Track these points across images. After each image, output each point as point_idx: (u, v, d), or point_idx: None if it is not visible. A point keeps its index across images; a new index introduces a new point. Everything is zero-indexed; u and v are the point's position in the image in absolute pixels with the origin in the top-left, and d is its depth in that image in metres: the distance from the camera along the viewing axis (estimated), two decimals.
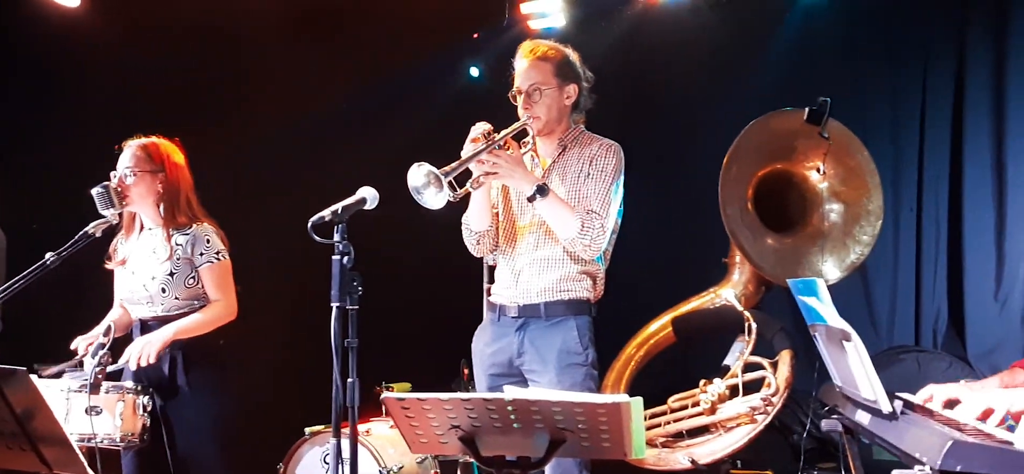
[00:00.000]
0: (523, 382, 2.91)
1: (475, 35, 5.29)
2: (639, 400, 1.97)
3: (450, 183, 2.65)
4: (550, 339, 2.84)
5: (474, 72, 5.49)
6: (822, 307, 2.45)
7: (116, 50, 4.43)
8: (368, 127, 4.88)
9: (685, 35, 4.80)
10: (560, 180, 2.92)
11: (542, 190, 2.76)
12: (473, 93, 5.43)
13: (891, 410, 2.24)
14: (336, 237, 2.19)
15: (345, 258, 2.16)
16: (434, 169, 2.57)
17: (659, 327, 3.72)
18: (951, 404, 2.43)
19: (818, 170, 3.38)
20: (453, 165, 2.64)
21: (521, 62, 2.95)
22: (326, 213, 2.20)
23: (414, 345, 5.02)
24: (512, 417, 2.05)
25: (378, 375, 4.31)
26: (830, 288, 4.31)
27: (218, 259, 3.11)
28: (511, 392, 2.05)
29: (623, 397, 1.97)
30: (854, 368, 2.37)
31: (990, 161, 5.01)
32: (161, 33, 4.41)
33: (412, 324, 5.25)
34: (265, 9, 4.49)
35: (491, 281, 3.20)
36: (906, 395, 2.52)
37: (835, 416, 2.80)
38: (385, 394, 2.05)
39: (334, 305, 2.15)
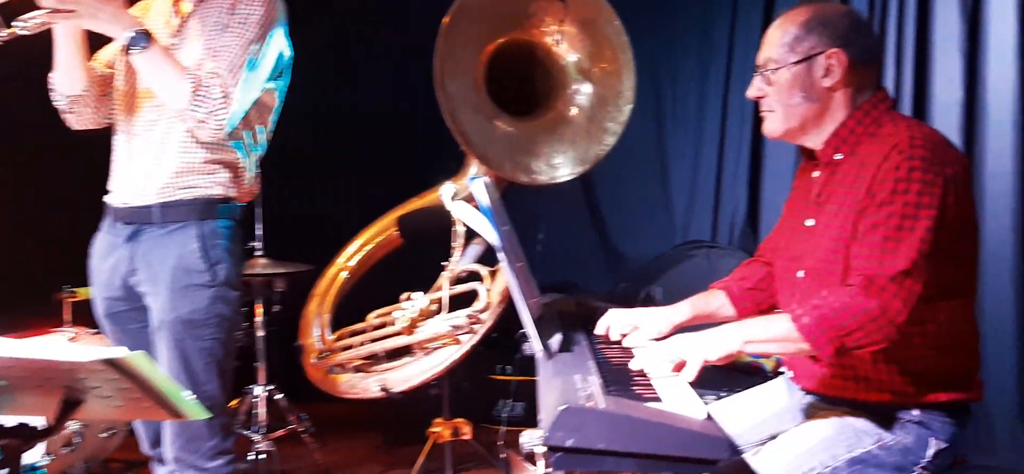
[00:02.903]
0: (143, 307, 2.26)
1: None
2: (140, 354, 1.36)
3: None
4: (165, 252, 2.17)
5: None
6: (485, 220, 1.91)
7: None
8: None
9: None
10: (198, 34, 2.19)
11: (137, 40, 2.03)
12: None
13: (543, 349, 1.75)
14: None
15: None
16: None
17: (381, 228, 3.13)
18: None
19: (556, 41, 2.79)
20: None
21: None
22: None
23: None
24: None
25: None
26: (608, 173, 3.84)
27: None
28: None
29: (121, 351, 1.37)
30: (514, 296, 1.86)
31: None
32: None
33: None
34: None
35: None
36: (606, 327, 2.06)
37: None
38: None
39: None
